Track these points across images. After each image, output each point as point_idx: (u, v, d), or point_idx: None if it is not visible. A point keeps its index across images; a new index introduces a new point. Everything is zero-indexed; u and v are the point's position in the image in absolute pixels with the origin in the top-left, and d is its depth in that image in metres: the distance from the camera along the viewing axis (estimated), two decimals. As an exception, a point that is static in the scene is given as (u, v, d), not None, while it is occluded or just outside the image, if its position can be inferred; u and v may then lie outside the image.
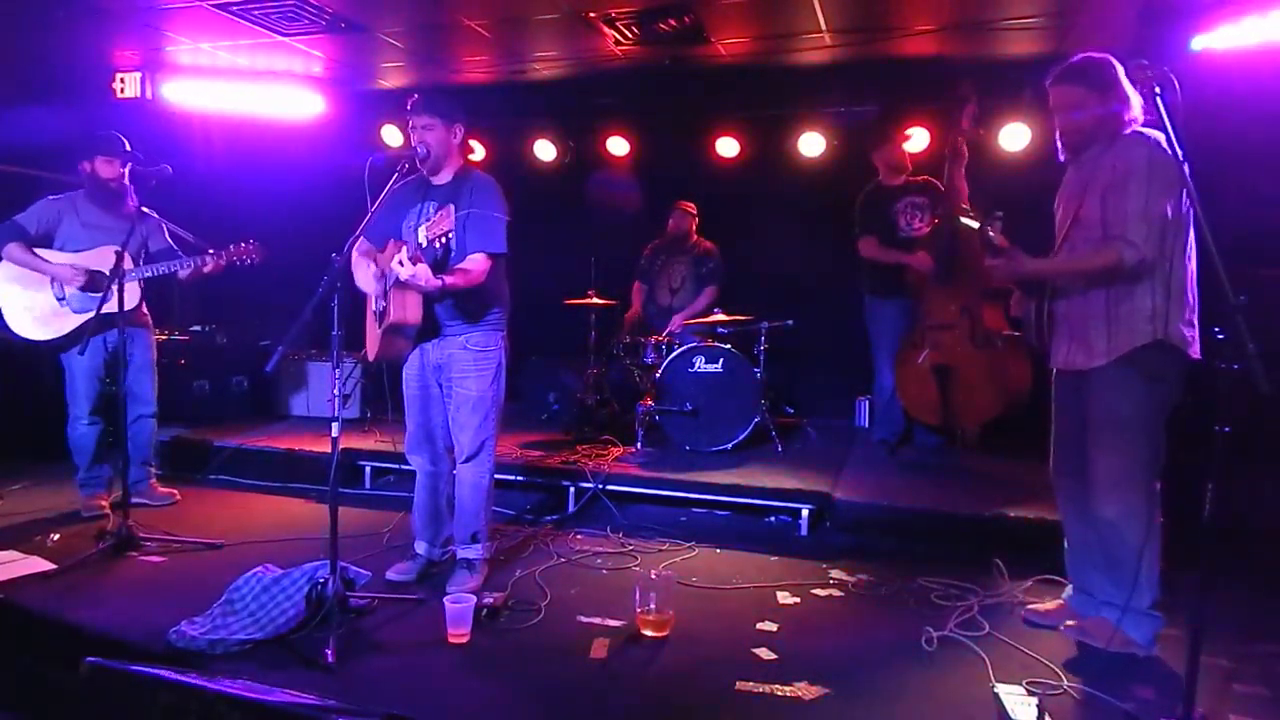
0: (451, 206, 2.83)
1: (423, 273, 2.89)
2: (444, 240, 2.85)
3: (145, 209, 4.18)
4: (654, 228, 5.90)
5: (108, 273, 3.70)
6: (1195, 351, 2.63)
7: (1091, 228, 2.69)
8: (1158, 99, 2.20)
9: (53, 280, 4.04)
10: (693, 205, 5.78)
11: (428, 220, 3.18)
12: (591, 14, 4.75)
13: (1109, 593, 2.75)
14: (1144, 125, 2.65)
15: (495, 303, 3.33)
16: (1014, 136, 5.27)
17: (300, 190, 6.22)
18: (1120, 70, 2.65)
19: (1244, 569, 3.30)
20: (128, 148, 4.13)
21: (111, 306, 3.63)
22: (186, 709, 1.80)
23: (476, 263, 3.12)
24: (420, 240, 2.88)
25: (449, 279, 3.01)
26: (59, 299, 4.05)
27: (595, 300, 5.50)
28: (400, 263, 2.86)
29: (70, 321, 4.03)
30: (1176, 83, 2.22)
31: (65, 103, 5.64)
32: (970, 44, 5.11)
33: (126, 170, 4.13)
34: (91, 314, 3.79)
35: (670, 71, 5.67)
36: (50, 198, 4.13)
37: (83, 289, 3.99)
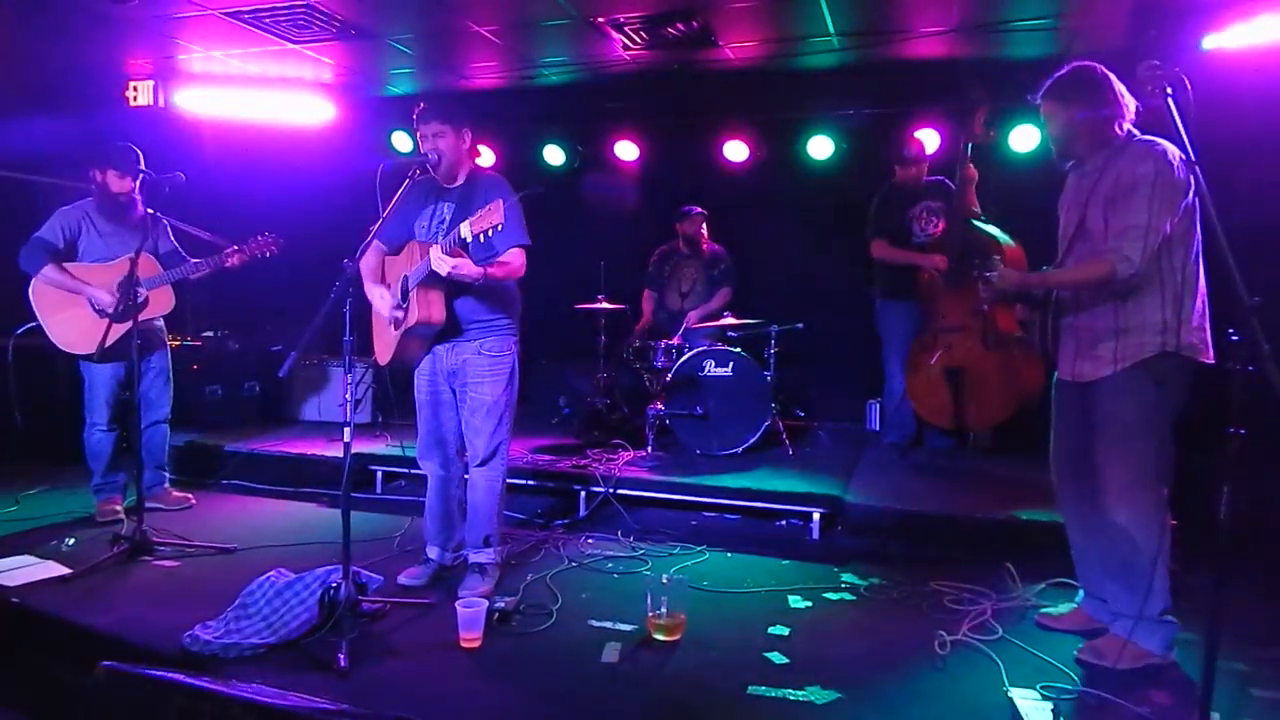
0: (500, 201, 2.85)
1: (465, 263, 2.96)
2: (490, 234, 2.87)
3: (150, 210, 4.20)
4: (663, 232, 5.90)
5: (134, 281, 3.75)
6: (1207, 357, 2.61)
7: (1096, 239, 2.68)
8: (1169, 100, 2.19)
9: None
10: (702, 210, 5.78)
11: (444, 220, 3.21)
12: (600, 19, 4.77)
13: (1122, 601, 2.71)
14: (1145, 130, 2.65)
15: (511, 306, 3.36)
16: (1025, 138, 5.26)
17: (311, 196, 6.24)
18: (1110, 76, 2.66)
19: (1260, 572, 3.27)
20: (141, 162, 4.12)
21: (145, 313, 3.67)
22: (200, 712, 1.81)
23: (515, 256, 3.19)
24: (465, 235, 2.90)
25: (490, 269, 3.06)
26: (98, 310, 4.05)
27: (604, 304, 5.51)
28: (440, 258, 2.91)
29: (117, 330, 3.95)
30: (1188, 83, 2.21)
31: (79, 111, 5.69)
32: (979, 46, 5.10)
33: (137, 184, 4.16)
34: (130, 323, 3.79)
35: (679, 76, 5.67)
36: (64, 209, 4.15)
37: (115, 307, 4.00)
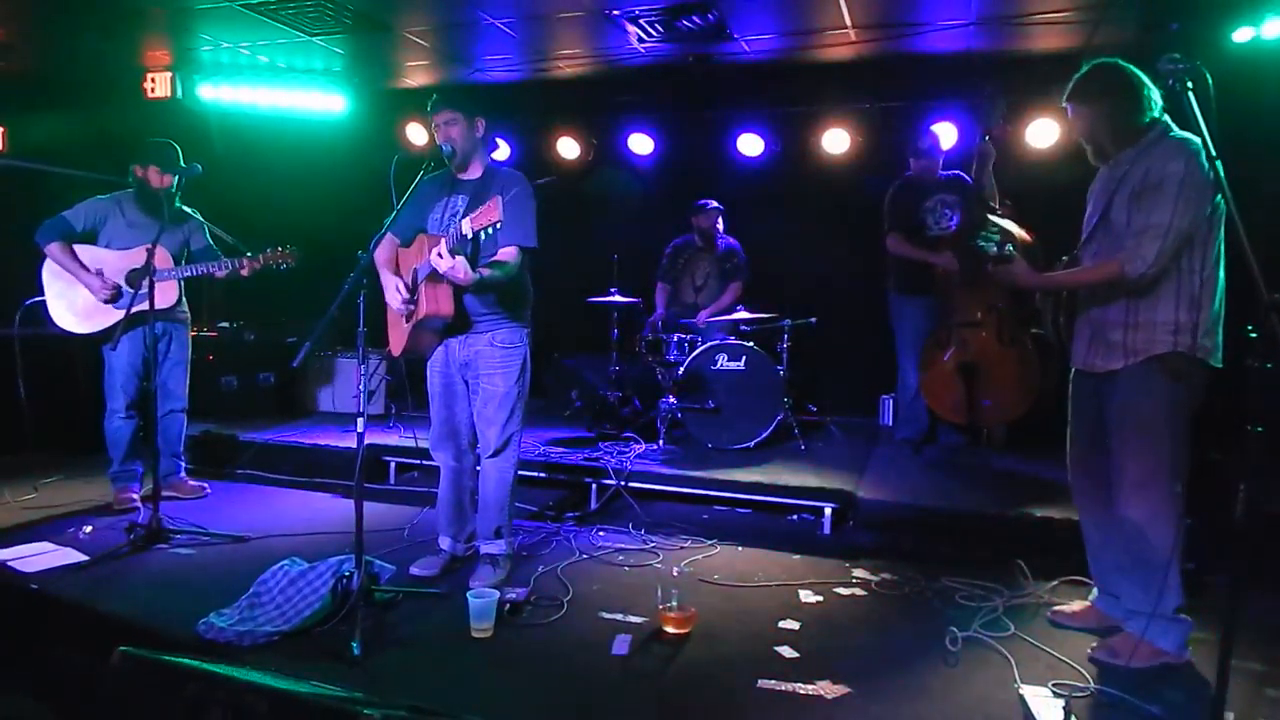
0: (499, 197, 2.85)
1: (461, 265, 2.93)
2: (490, 231, 2.86)
3: (187, 208, 4.29)
4: (677, 225, 5.89)
5: (150, 272, 3.77)
6: (1218, 361, 2.59)
7: (1117, 232, 2.65)
8: (1189, 95, 2.16)
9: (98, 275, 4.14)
10: (718, 204, 5.76)
11: (456, 213, 3.20)
12: (615, 11, 4.76)
13: (1135, 599, 2.69)
14: (1170, 121, 2.62)
15: (522, 299, 3.35)
16: (1042, 132, 5.21)
17: (326, 187, 6.27)
18: (1131, 71, 2.63)
19: (1277, 571, 3.24)
20: (182, 160, 4.21)
21: (141, 305, 3.72)
22: (215, 699, 1.83)
23: (510, 255, 3.15)
24: (465, 231, 2.90)
25: (485, 271, 3.04)
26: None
27: (618, 298, 5.50)
28: (439, 255, 2.90)
29: (112, 316, 4.11)
30: (1209, 77, 2.18)
31: (98, 103, 5.74)
32: (998, 39, 5.06)
33: (176, 180, 4.22)
34: (136, 309, 3.87)
35: (693, 69, 5.65)
36: (98, 197, 4.25)
37: (107, 301, 4.11)
